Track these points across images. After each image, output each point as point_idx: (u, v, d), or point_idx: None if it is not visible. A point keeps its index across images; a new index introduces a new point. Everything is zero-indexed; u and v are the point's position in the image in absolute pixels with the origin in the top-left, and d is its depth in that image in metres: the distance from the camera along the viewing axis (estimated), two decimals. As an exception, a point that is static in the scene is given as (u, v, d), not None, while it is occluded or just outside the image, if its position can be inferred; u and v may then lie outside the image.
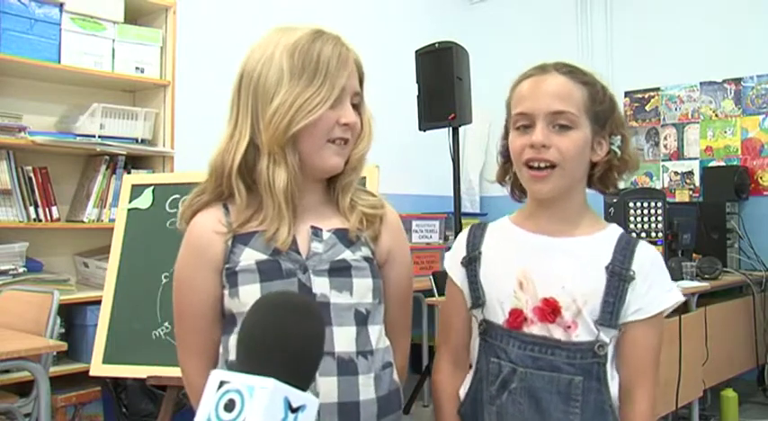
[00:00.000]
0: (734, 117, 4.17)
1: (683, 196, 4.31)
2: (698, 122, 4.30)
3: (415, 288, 3.39)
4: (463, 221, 3.55)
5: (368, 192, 1.22)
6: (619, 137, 1.19)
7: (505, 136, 1.23)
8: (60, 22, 2.75)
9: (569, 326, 1.11)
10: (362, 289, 1.11)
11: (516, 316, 1.13)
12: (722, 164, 4.18)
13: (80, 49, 2.80)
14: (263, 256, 1.10)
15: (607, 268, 1.13)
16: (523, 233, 1.20)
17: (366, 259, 1.14)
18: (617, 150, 1.18)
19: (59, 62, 2.75)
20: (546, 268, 1.14)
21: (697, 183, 4.28)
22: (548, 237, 1.17)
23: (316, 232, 1.13)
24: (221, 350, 1.11)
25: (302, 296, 1.06)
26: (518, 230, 1.21)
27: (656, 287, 1.15)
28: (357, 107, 1.15)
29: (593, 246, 1.16)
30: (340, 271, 1.11)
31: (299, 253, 1.11)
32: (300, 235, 1.12)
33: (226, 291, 1.10)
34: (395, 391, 1.13)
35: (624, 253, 1.15)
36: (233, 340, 1.07)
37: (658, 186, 4.38)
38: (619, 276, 1.13)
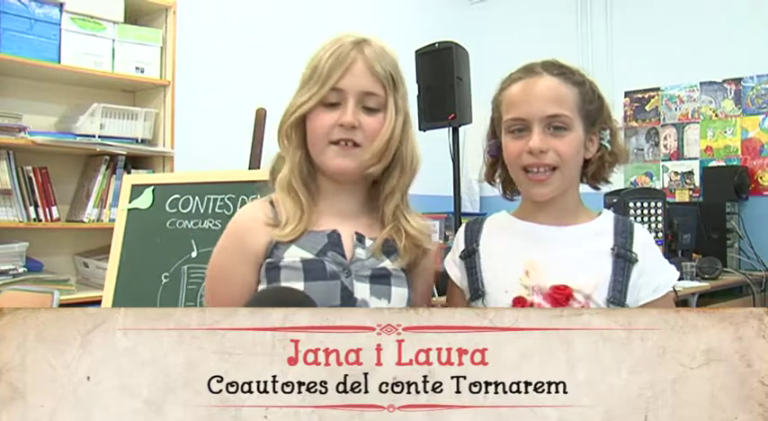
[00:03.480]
0: (734, 117, 4.17)
1: (683, 196, 4.31)
2: (698, 122, 4.30)
3: (415, 288, 3.39)
4: (463, 221, 3.54)
5: (420, 217, 1.22)
6: (608, 131, 1.20)
7: (492, 135, 1.24)
8: (60, 22, 2.75)
9: None
10: (398, 297, 1.14)
11: (521, 305, 1.13)
12: (722, 164, 4.18)
13: (80, 49, 2.80)
14: (309, 255, 1.11)
15: (612, 250, 1.15)
16: (527, 224, 1.20)
17: (403, 269, 1.17)
18: (607, 145, 1.19)
19: (59, 62, 2.75)
20: (552, 255, 1.15)
21: (697, 183, 4.28)
22: (552, 227, 1.18)
23: (360, 238, 1.15)
24: None
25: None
26: (520, 222, 1.21)
27: (662, 264, 1.19)
28: (374, 111, 1.14)
29: (595, 231, 1.18)
30: (380, 278, 1.13)
31: (344, 256, 1.12)
32: (345, 239, 1.14)
33: (263, 286, 1.11)
34: None
35: (624, 235, 1.17)
36: None
37: (658, 186, 4.38)
38: (624, 258, 1.15)
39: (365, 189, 1.20)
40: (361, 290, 1.11)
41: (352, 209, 1.18)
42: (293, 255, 1.11)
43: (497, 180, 1.27)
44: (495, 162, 1.25)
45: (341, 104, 1.12)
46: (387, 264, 1.15)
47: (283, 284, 1.09)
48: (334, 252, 1.12)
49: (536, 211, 1.20)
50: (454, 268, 1.26)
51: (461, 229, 1.28)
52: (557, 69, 1.16)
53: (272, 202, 1.17)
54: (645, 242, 1.18)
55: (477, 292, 1.19)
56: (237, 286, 1.12)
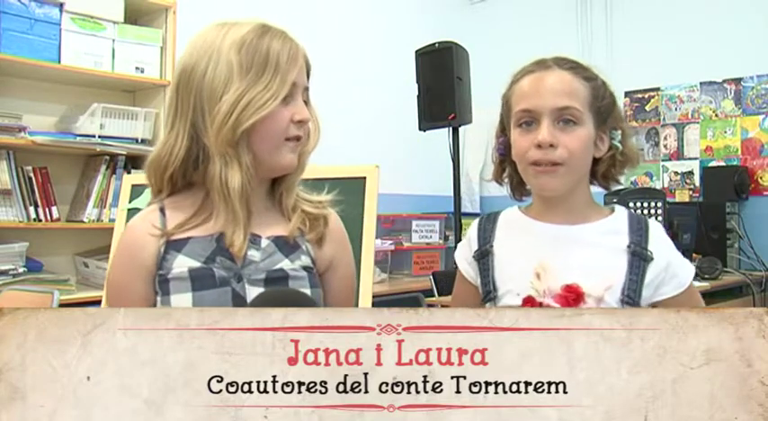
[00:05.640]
0: (734, 117, 4.17)
1: (683, 196, 4.31)
2: (698, 122, 4.30)
3: (416, 288, 3.40)
4: (463, 221, 3.55)
5: (310, 194, 1.18)
6: (619, 131, 1.18)
7: (502, 132, 1.22)
8: (60, 22, 2.75)
9: None
10: None
11: (530, 304, 1.12)
12: (722, 164, 4.18)
13: (80, 49, 2.80)
14: (197, 264, 1.06)
15: (628, 248, 1.14)
16: (538, 224, 1.18)
17: (305, 268, 1.11)
18: (618, 145, 1.17)
19: (59, 62, 2.75)
20: (564, 256, 1.13)
21: (697, 183, 4.28)
22: (562, 226, 1.16)
23: (253, 239, 1.09)
24: None
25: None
26: (531, 221, 1.19)
27: (681, 260, 1.18)
28: (306, 103, 1.12)
29: (609, 228, 1.17)
30: (276, 281, 1.07)
31: (233, 260, 1.07)
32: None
33: (158, 299, 1.07)
34: None
35: (639, 233, 1.16)
36: None
37: (658, 186, 4.38)
38: (639, 256, 1.13)
39: (268, 184, 1.15)
40: (256, 294, 1.05)
41: (256, 207, 1.11)
42: (181, 265, 1.06)
43: (505, 179, 1.25)
44: (504, 160, 1.22)
45: (289, 99, 1.07)
46: (284, 264, 1.09)
47: (172, 296, 1.05)
48: (223, 257, 1.06)
49: (546, 211, 1.18)
50: (467, 265, 1.24)
51: (474, 227, 1.25)
52: (568, 64, 1.15)
53: (161, 209, 1.10)
54: (660, 239, 1.17)
55: (489, 295, 1.18)
56: (134, 301, 1.07)
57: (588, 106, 1.13)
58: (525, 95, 1.14)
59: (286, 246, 1.11)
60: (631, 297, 1.11)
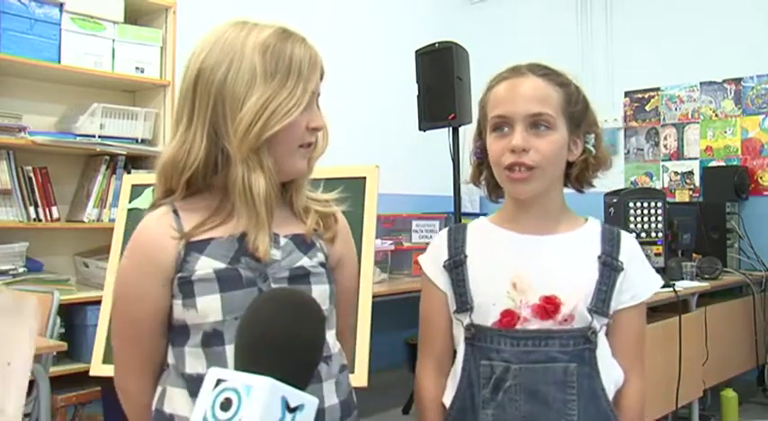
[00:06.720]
0: (734, 117, 4.17)
1: (683, 196, 4.31)
2: (698, 122, 4.30)
3: (416, 288, 3.40)
4: (463, 221, 3.55)
5: (315, 192, 1.19)
6: (592, 135, 1.20)
7: (479, 136, 1.24)
8: (60, 22, 2.76)
9: (566, 320, 1.12)
10: (321, 296, 1.08)
11: (510, 317, 1.13)
12: (722, 164, 4.18)
13: (80, 49, 2.80)
14: (222, 265, 1.04)
15: (599, 258, 1.17)
16: (510, 234, 1.20)
17: (322, 265, 1.12)
18: (592, 149, 1.20)
19: (59, 62, 2.75)
20: (540, 266, 1.15)
21: (697, 183, 4.28)
22: (536, 236, 1.18)
23: (273, 238, 1.08)
24: (173, 361, 1.06)
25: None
26: (503, 231, 1.21)
27: (646, 273, 1.21)
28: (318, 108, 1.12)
29: (581, 239, 1.19)
30: (299, 278, 1.08)
31: (257, 260, 1.06)
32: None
33: (178, 302, 1.04)
34: (351, 393, 1.13)
35: (611, 244, 1.19)
36: (187, 351, 1.03)
37: (658, 186, 4.38)
38: (610, 266, 1.16)
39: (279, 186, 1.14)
40: None
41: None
42: (205, 266, 1.03)
43: (482, 182, 1.27)
44: (481, 163, 1.25)
45: (307, 106, 1.07)
46: (304, 262, 1.09)
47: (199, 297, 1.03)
48: (248, 257, 1.05)
49: (519, 214, 1.19)
50: (438, 274, 1.23)
51: (443, 236, 1.25)
52: (542, 70, 1.17)
53: (175, 211, 1.08)
54: (631, 250, 1.19)
55: (464, 306, 1.17)
56: (150, 306, 1.05)
57: (561, 111, 1.15)
58: (500, 102, 1.16)
59: (303, 243, 1.11)
60: (599, 307, 1.13)
